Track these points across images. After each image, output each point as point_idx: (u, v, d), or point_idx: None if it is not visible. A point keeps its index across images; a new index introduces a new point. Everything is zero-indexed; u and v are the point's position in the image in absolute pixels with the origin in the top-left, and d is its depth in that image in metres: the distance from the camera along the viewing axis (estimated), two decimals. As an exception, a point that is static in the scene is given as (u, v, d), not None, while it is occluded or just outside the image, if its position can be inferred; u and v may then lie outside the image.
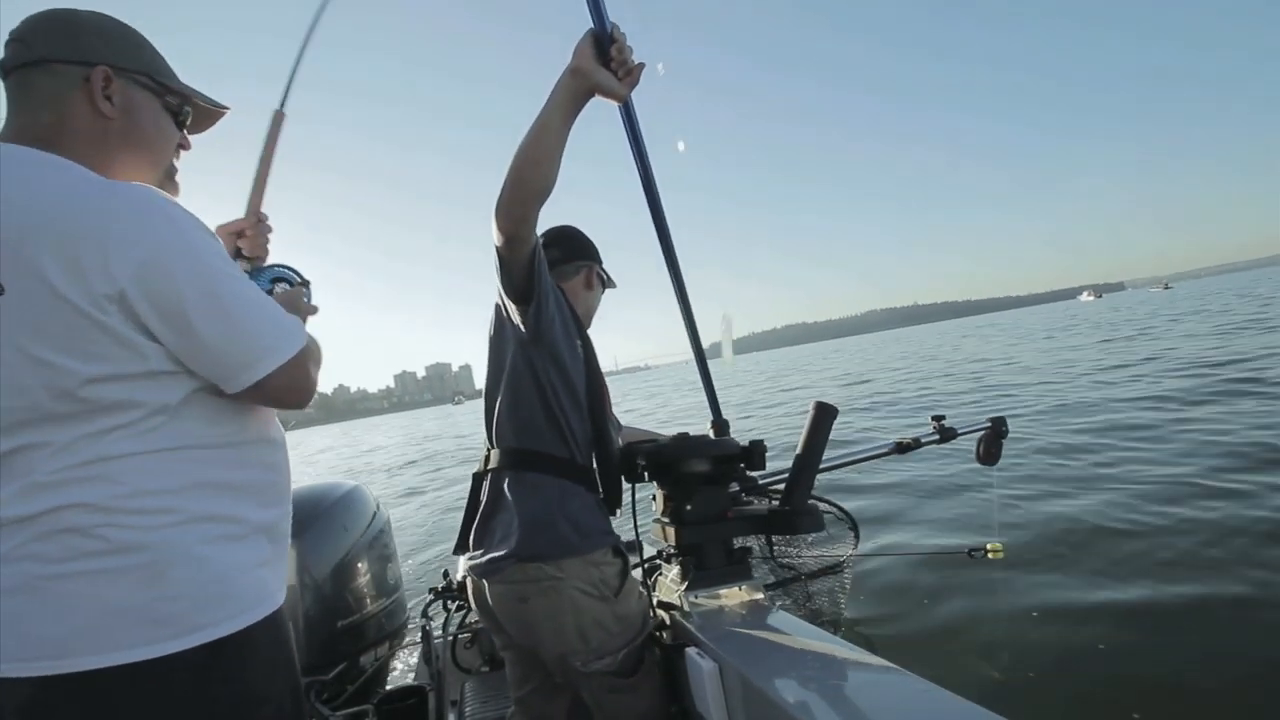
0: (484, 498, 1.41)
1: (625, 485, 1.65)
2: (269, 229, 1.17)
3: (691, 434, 1.61)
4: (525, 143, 1.10)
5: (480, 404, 1.50)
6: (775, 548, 1.83)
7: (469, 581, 1.46)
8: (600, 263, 1.63)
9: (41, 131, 0.85)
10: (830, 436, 1.57)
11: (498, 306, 1.41)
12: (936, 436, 1.97)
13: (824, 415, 1.52)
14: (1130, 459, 4.96)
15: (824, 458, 1.58)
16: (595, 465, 1.42)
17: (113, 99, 0.87)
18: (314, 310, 1.10)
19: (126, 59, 0.89)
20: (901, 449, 1.93)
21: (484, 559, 1.34)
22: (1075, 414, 7.13)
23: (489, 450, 1.44)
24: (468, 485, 1.48)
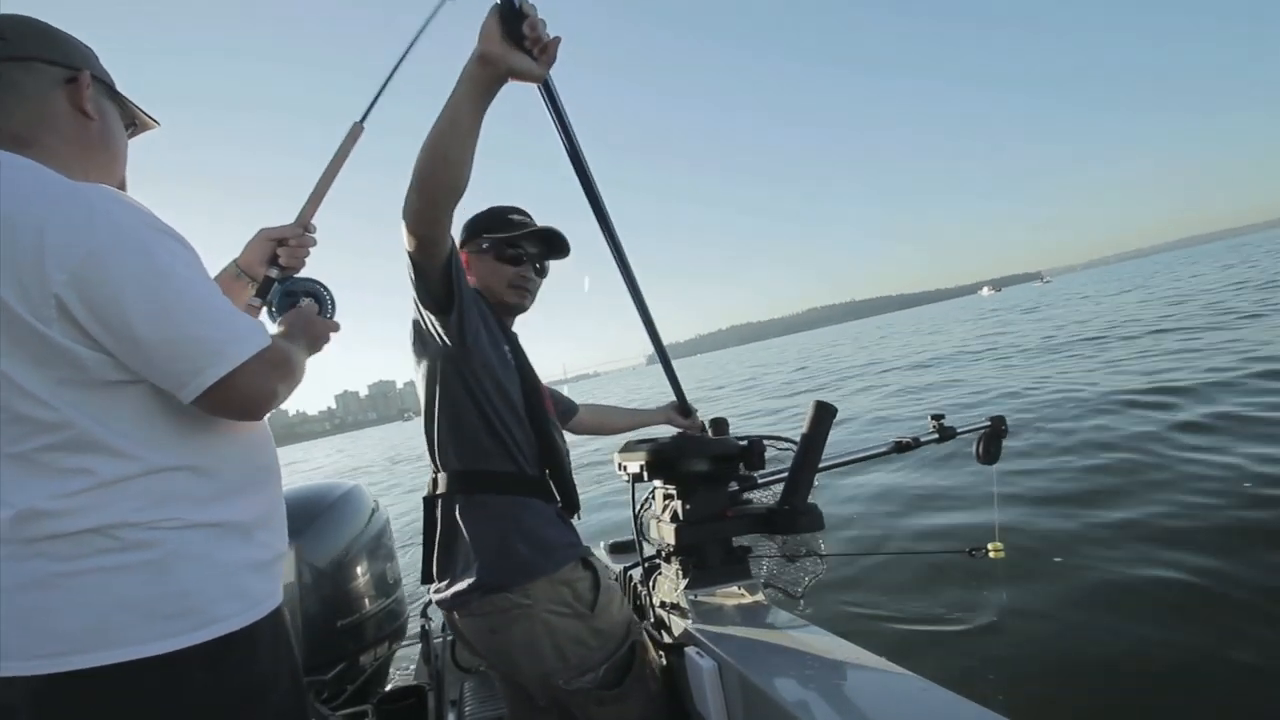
0: (439, 524, 1.33)
1: (624, 485, 1.64)
2: (313, 241, 1.13)
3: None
4: (433, 139, 1.00)
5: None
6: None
7: (442, 612, 1.39)
8: (507, 231, 1.43)
9: (18, 129, 0.84)
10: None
11: (416, 322, 1.30)
12: (936, 436, 1.96)
13: (823, 414, 1.51)
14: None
15: (823, 456, 1.58)
16: (546, 473, 1.35)
17: (93, 103, 0.90)
18: (335, 327, 1.09)
19: (99, 69, 0.93)
20: (900, 448, 1.92)
21: (449, 592, 1.28)
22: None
23: (435, 474, 1.36)
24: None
